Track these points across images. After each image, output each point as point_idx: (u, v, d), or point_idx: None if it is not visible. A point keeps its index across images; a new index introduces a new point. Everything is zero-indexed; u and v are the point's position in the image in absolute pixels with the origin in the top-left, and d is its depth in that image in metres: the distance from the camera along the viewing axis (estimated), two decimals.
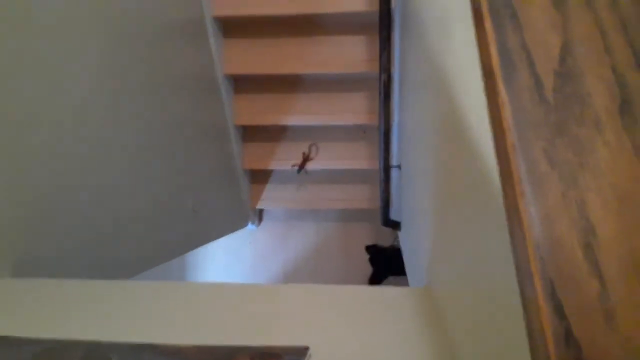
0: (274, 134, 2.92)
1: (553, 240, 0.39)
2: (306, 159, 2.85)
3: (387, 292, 1.08)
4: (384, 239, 2.81)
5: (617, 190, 0.40)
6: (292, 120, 2.76)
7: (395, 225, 2.15)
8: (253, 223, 3.14)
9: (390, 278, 2.77)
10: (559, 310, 0.37)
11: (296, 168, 2.85)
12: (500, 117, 0.46)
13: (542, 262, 0.39)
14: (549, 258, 0.39)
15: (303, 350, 0.79)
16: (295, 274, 3.12)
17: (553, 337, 0.36)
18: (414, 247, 1.62)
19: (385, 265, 2.70)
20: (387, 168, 2.06)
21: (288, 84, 2.76)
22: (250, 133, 2.93)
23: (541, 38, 0.48)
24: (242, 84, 2.77)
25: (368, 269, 2.83)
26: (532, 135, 0.44)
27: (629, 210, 0.40)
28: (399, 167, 2.09)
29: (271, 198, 3.05)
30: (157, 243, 1.90)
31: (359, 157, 2.83)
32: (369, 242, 2.87)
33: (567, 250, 0.39)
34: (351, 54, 2.60)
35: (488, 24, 0.51)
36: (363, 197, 2.95)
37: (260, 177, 3.06)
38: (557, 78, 0.46)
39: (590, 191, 0.41)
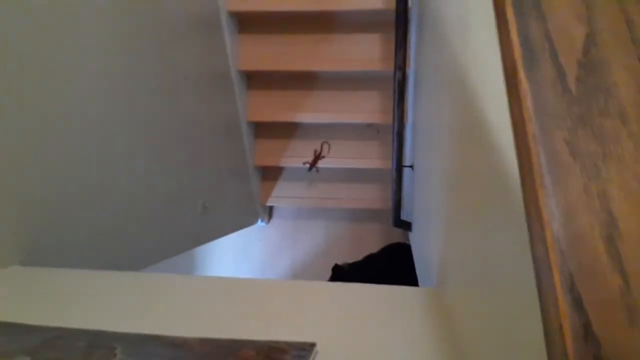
0: (286, 131, 2.92)
1: (574, 233, 0.38)
2: (318, 156, 2.84)
3: (397, 291, 1.06)
4: (395, 240, 2.79)
5: None
6: (304, 117, 2.76)
7: (407, 226, 2.14)
8: (263, 220, 3.14)
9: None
10: (578, 304, 0.36)
11: (307, 166, 2.84)
12: (521, 108, 0.45)
13: (561, 255, 0.38)
14: (569, 251, 0.38)
15: (310, 347, 0.78)
16: (303, 273, 3.11)
17: (571, 333, 0.35)
18: (426, 248, 1.60)
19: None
20: (399, 168, 2.04)
21: (301, 81, 2.76)
22: (262, 129, 2.93)
23: (565, 28, 0.47)
24: (255, 80, 2.78)
25: None
26: (554, 126, 0.43)
27: None
28: (411, 167, 2.07)
29: (281, 195, 3.04)
30: (166, 237, 1.90)
31: (371, 157, 2.82)
32: (380, 243, 2.85)
33: (588, 243, 0.38)
34: (366, 52, 2.59)
35: (510, 14, 0.50)
36: (374, 197, 2.94)
37: (271, 174, 3.06)
38: (581, 68, 0.45)
39: (613, 183, 0.39)
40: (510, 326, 0.56)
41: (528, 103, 0.44)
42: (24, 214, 1.19)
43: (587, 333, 0.35)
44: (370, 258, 2.66)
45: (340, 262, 2.59)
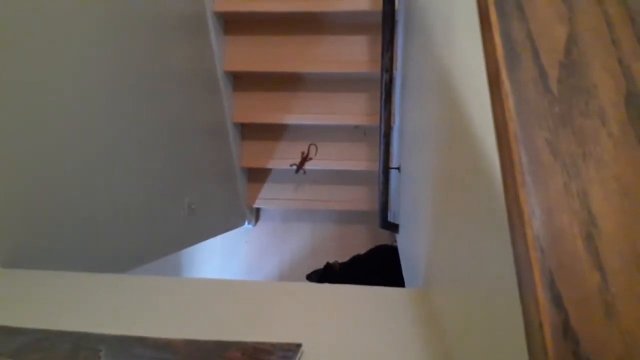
0: (273, 132, 2.92)
1: (554, 231, 0.39)
2: (305, 158, 2.84)
3: (383, 292, 1.07)
4: (382, 242, 2.80)
5: (621, 182, 0.40)
6: (291, 119, 2.76)
7: (393, 228, 2.15)
8: (250, 222, 3.13)
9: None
10: (557, 301, 0.36)
11: (294, 167, 2.84)
12: (503, 108, 0.46)
13: (541, 253, 0.38)
14: (549, 249, 0.38)
15: (295, 348, 0.78)
16: (290, 275, 3.11)
17: (550, 329, 0.35)
18: (412, 249, 1.61)
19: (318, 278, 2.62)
20: (386, 170, 2.05)
21: (288, 83, 2.76)
22: (249, 131, 2.92)
23: (547, 29, 0.48)
24: (242, 81, 2.77)
25: None
26: (535, 126, 0.43)
27: (632, 202, 0.39)
28: (398, 169, 2.08)
29: (268, 197, 3.04)
30: (152, 239, 1.88)
31: (358, 158, 2.83)
32: (367, 245, 2.85)
33: (568, 241, 0.38)
34: (353, 54, 2.60)
35: (493, 15, 0.50)
36: (361, 198, 2.95)
37: (258, 175, 3.06)
38: (562, 69, 0.45)
39: (593, 183, 0.40)
40: (494, 324, 0.57)
41: (510, 103, 0.45)
42: (4, 215, 1.17)
43: (566, 329, 0.35)
44: (356, 259, 2.66)
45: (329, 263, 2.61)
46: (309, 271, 2.70)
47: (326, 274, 2.54)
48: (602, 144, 0.41)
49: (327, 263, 2.59)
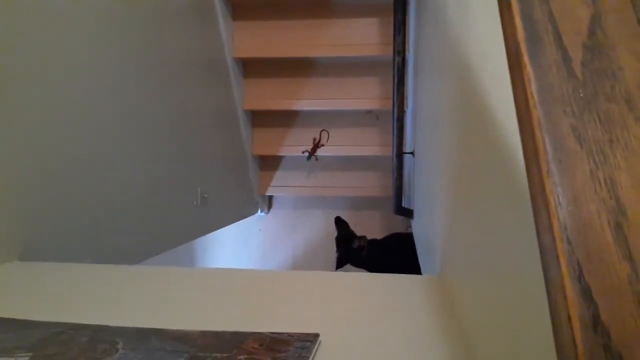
0: (284, 119, 2.91)
1: (581, 221, 0.37)
2: (317, 145, 2.83)
3: (400, 280, 1.07)
4: (395, 228, 2.79)
5: None
6: (302, 105, 2.74)
7: (408, 213, 2.13)
8: (262, 210, 3.14)
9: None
10: (586, 293, 0.35)
11: (306, 154, 2.83)
12: (525, 93, 0.44)
13: (568, 244, 0.37)
14: (576, 240, 0.37)
15: (313, 337, 0.78)
16: (304, 262, 3.12)
17: (580, 322, 0.34)
18: (428, 235, 1.60)
19: (345, 251, 2.49)
20: (400, 155, 2.03)
21: (299, 68, 2.73)
22: (260, 118, 2.91)
23: (569, 10, 0.46)
24: (251, 67, 2.76)
25: None
26: (560, 112, 0.42)
27: None
28: (412, 153, 2.07)
29: (281, 185, 3.04)
30: (166, 229, 1.89)
31: (371, 144, 2.81)
32: (381, 231, 2.84)
33: (596, 231, 0.37)
34: (364, 37, 2.57)
35: None
36: (374, 184, 2.93)
37: (270, 163, 3.06)
38: (586, 52, 0.44)
39: (620, 170, 0.38)
40: (517, 315, 0.56)
41: (532, 88, 0.43)
42: (20, 209, 1.18)
43: (596, 323, 0.34)
44: (373, 243, 2.62)
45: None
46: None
47: (353, 252, 2.42)
48: (630, 129, 0.40)
49: (359, 243, 2.46)
